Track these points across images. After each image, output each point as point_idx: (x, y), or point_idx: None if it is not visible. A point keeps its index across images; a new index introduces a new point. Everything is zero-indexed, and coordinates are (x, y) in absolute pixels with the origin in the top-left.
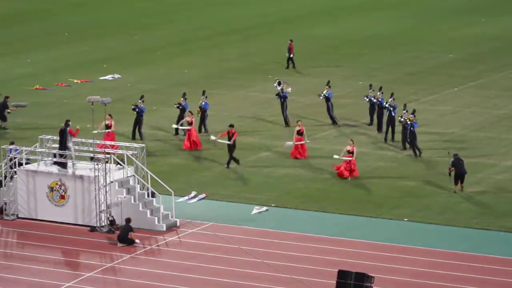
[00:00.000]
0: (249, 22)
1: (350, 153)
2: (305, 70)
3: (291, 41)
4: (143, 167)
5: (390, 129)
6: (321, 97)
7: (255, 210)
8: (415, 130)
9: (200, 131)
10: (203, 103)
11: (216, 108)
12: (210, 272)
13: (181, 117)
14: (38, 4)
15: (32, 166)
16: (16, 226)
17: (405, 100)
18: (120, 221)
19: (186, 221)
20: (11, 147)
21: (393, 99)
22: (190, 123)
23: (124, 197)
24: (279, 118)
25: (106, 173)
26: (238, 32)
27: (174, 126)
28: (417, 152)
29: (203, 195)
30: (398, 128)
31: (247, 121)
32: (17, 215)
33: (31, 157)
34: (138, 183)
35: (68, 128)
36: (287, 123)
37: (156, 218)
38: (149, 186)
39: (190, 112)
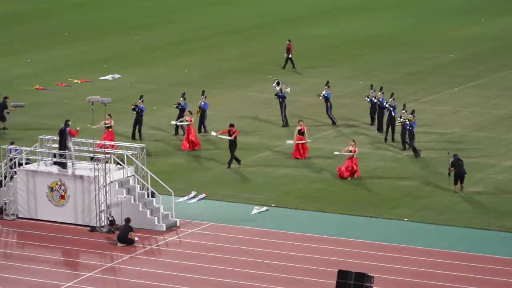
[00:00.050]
0: (249, 22)
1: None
2: (305, 70)
3: (289, 41)
4: (143, 167)
5: (390, 129)
6: (321, 98)
7: (255, 210)
8: (414, 131)
9: (200, 131)
10: (203, 103)
11: (216, 108)
12: (210, 272)
13: (180, 117)
14: (38, 4)
15: (32, 166)
16: (16, 226)
17: (405, 100)
18: (120, 221)
19: (186, 221)
20: (11, 147)
21: (393, 99)
22: (189, 122)
23: (124, 197)
24: (279, 118)
25: (106, 173)
26: (238, 32)
27: (173, 122)
28: (416, 153)
29: (203, 195)
30: (398, 128)
31: (247, 121)
32: (17, 215)
33: (31, 157)
34: (138, 183)
35: (67, 128)
36: (286, 123)
37: (156, 218)
38: (149, 186)
39: (189, 112)
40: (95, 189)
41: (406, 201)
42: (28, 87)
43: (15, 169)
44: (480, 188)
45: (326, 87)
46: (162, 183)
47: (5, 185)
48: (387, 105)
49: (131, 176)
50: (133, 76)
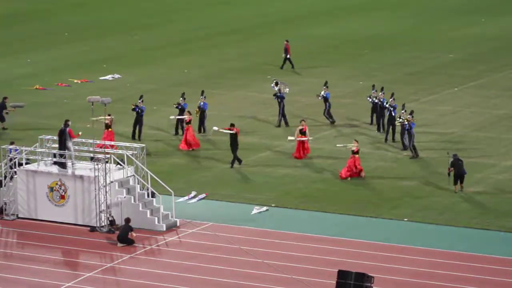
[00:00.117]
0: (249, 22)
1: (355, 153)
2: (305, 70)
3: (287, 41)
4: (143, 167)
5: (390, 129)
6: (320, 98)
7: (255, 210)
8: (412, 131)
9: (199, 131)
10: (202, 103)
11: (216, 108)
12: (210, 272)
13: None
14: (38, 4)
15: (32, 166)
16: (16, 226)
17: (405, 100)
18: (120, 221)
19: (186, 221)
20: (11, 147)
21: (394, 99)
22: (188, 122)
23: (124, 197)
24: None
25: (106, 173)
26: (238, 32)
27: (172, 117)
28: (415, 153)
29: (203, 195)
30: (399, 128)
31: (247, 121)
32: (17, 215)
33: (31, 157)
34: (138, 183)
35: (67, 128)
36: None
37: (156, 218)
38: (149, 186)
39: (188, 112)
40: (95, 189)
41: (406, 201)
42: (28, 87)
43: (15, 169)
44: (480, 188)
45: (324, 87)
46: (162, 183)
47: (5, 185)
48: (387, 105)
49: (131, 176)
50: (133, 76)
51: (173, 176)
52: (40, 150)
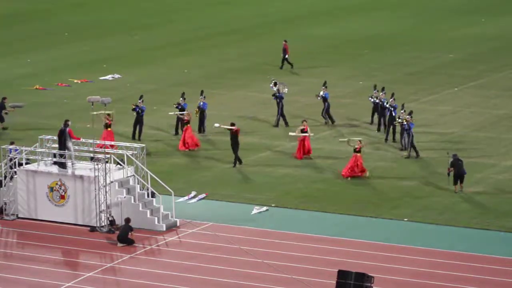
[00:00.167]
0: (249, 22)
1: (357, 151)
2: (305, 70)
3: (285, 41)
4: (143, 167)
5: (391, 129)
6: (319, 98)
7: (255, 210)
8: (411, 131)
9: (199, 131)
10: (202, 103)
11: (216, 108)
12: (210, 272)
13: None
14: (38, 4)
15: (32, 166)
16: (16, 226)
17: (405, 100)
18: (120, 221)
19: (186, 221)
20: (11, 147)
21: (394, 99)
22: (187, 122)
23: (124, 197)
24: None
25: (106, 173)
26: (238, 32)
27: (171, 113)
28: (415, 153)
29: (203, 195)
30: (399, 128)
31: (247, 121)
32: (17, 215)
33: (31, 157)
34: (138, 183)
35: (67, 129)
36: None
37: (156, 218)
38: (149, 186)
39: (187, 113)
40: (95, 189)
41: (406, 201)
42: (28, 87)
43: (15, 169)
44: (480, 188)
45: (323, 87)
46: (162, 183)
47: (5, 185)
48: (387, 105)
49: (131, 176)
50: (133, 76)
51: (173, 176)
52: (40, 150)
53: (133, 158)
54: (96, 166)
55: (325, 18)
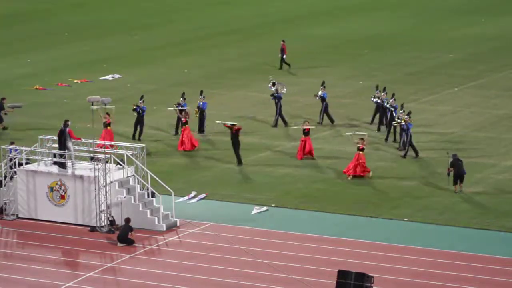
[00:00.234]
0: (249, 22)
1: (360, 150)
2: (305, 70)
3: (283, 41)
4: (143, 167)
5: (392, 129)
6: (317, 98)
7: (255, 210)
8: (410, 132)
9: (200, 131)
10: (201, 103)
11: (216, 108)
12: (210, 272)
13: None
14: (38, 4)
15: (32, 166)
16: (16, 226)
17: (405, 100)
18: (120, 221)
19: (186, 221)
20: (11, 147)
21: (394, 99)
22: (185, 123)
23: (124, 197)
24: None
25: (106, 173)
26: (238, 32)
27: (170, 109)
28: (413, 153)
29: (203, 195)
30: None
31: (247, 121)
32: (17, 215)
33: (31, 157)
34: (138, 183)
35: (67, 129)
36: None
37: (156, 218)
38: (149, 186)
39: (186, 113)
40: (95, 189)
41: (406, 201)
42: (28, 87)
43: (15, 169)
44: (480, 188)
45: (322, 87)
46: (162, 183)
47: (5, 185)
48: (388, 106)
49: (131, 176)
50: (133, 76)
51: (173, 176)
52: (40, 150)
53: (133, 158)
54: (96, 166)
55: (325, 18)
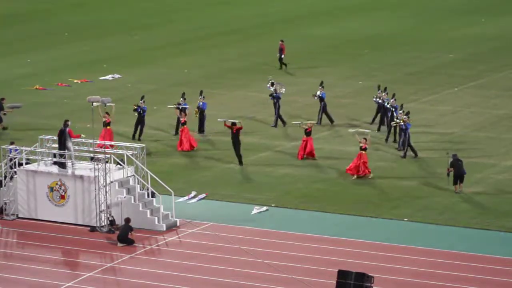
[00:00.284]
0: (249, 22)
1: (363, 150)
2: (305, 70)
3: (282, 41)
4: (143, 167)
5: (392, 129)
6: (316, 98)
7: (255, 210)
8: (408, 132)
9: (200, 131)
10: (201, 103)
11: (216, 108)
12: (210, 272)
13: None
14: (38, 4)
15: (32, 166)
16: (16, 226)
17: (405, 100)
18: (120, 221)
19: (186, 221)
20: (11, 147)
21: (395, 99)
22: (183, 123)
23: (124, 197)
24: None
25: (106, 173)
26: (238, 32)
27: (170, 106)
28: (412, 153)
29: (203, 195)
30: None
31: (247, 121)
32: (17, 215)
33: (31, 157)
34: (138, 183)
35: (67, 129)
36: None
37: (156, 218)
38: (149, 186)
39: (184, 113)
40: (95, 189)
41: (406, 201)
42: (28, 87)
43: (15, 169)
44: (480, 188)
45: (320, 87)
46: (162, 183)
47: (5, 185)
48: (388, 106)
49: (131, 176)
50: (133, 76)
51: (173, 176)
52: (40, 150)
53: (133, 158)
54: (96, 166)
55: (325, 18)
